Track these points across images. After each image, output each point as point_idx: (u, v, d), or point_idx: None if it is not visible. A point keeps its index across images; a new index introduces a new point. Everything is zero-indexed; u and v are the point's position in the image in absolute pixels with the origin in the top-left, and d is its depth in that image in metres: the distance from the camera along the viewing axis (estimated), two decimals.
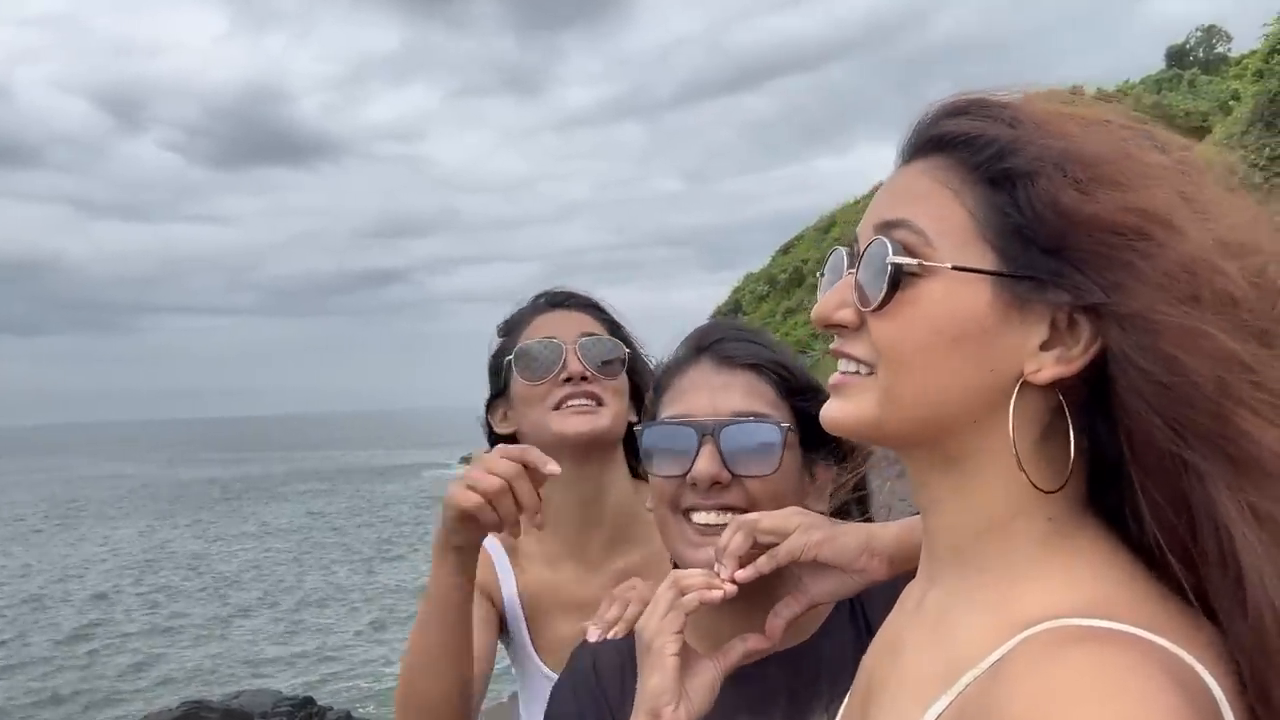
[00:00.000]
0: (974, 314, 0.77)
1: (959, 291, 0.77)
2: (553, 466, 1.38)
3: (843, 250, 0.88)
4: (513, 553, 1.87)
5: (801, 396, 1.34)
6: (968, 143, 0.80)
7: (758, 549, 1.22)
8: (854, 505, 1.40)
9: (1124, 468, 0.75)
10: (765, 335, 1.46)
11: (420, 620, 1.50)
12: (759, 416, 1.31)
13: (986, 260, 0.77)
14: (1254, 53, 18.57)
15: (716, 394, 1.33)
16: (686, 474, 1.30)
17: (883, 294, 0.79)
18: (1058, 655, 0.68)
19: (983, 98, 0.83)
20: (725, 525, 1.26)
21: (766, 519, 1.21)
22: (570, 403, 1.75)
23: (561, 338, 1.79)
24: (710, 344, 1.37)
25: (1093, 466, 0.79)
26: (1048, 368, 0.76)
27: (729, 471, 1.29)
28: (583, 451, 1.76)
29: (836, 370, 0.86)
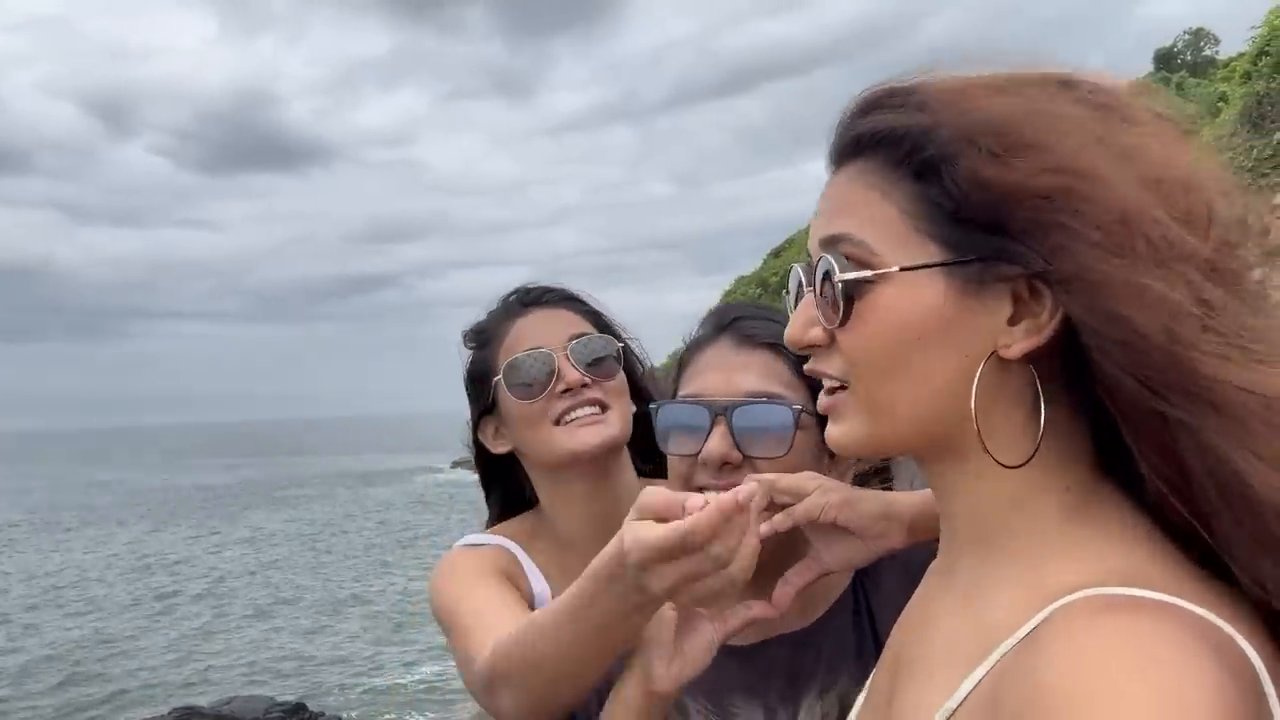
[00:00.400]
0: (932, 309, 0.77)
1: (912, 291, 0.77)
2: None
3: (799, 269, 0.88)
4: (539, 557, 1.72)
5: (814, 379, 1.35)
6: (884, 140, 0.80)
7: (774, 509, 1.19)
8: (875, 484, 1.39)
9: (1121, 435, 0.75)
10: (784, 315, 1.45)
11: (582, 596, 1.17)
12: (772, 398, 1.32)
13: (930, 253, 0.77)
14: (1241, 55, 18.66)
15: (733, 373, 1.34)
16: (698, 453, 1.30)
17: (840, 311, 0.80)
18: (1092, 625, 0.67)
19: (890, 86, 0.83)
20: None
21: (784, 479, 1.21)
22: (573, 414, 1.62)
23: (549, 344, 1.65)
24: (730, 322, 1.38)
25: (1103, 436, 0.78)
26: (1018, 341, 0.76)
27: (740, 452, 1.29)
28: (598, 465, 1.64)
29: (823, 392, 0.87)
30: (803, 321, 0.85)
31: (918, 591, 0.95)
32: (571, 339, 1.66)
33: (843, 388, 0.83)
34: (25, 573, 30.69)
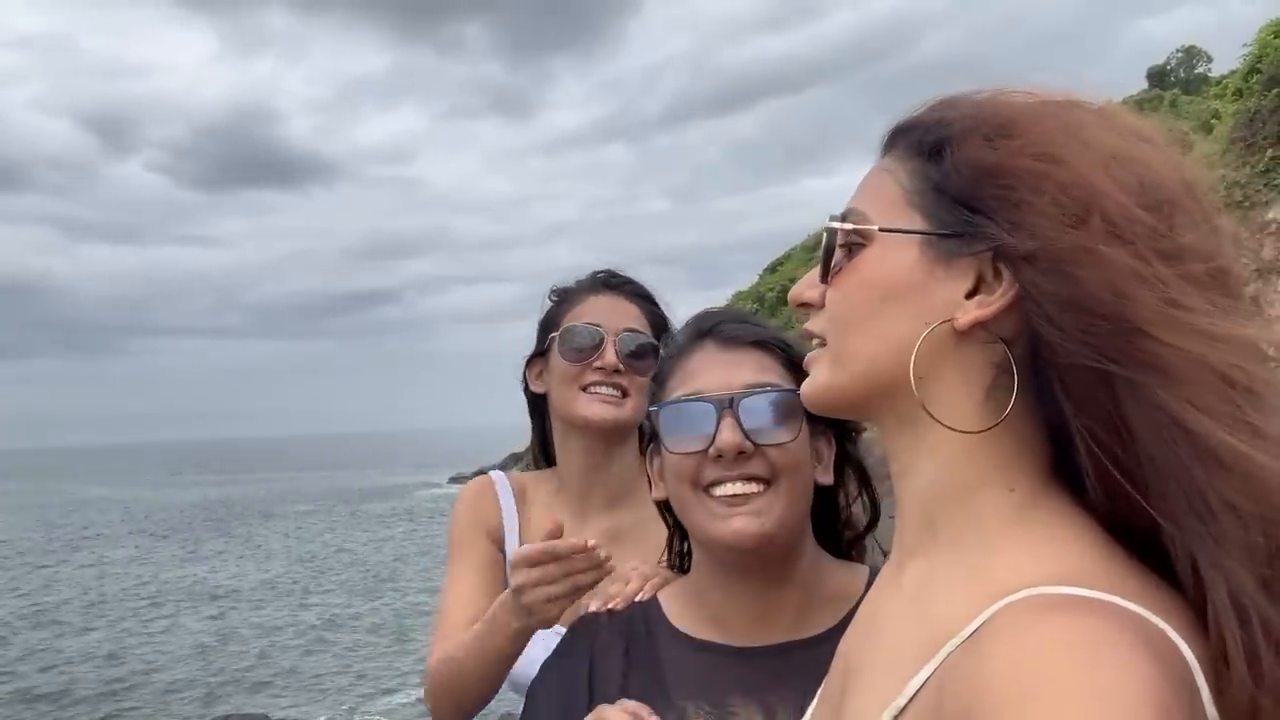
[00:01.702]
0: (902, 271, 0.83)
1: (889, 253, 0.84)
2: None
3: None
4: (521, 497, 1.98)
5: (804, 372, 1.36)
6: (907, 129, 0.88)
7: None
8: (852, 478, 1.43)
9: (1066, 417, 0.77)
10: (760, 319, 1.49)
11: (478, 647, 1.62)
12: (774, 386, 1.33)
13: (913, 222, 0.83)
14: (1233, 73, 18.81)
15: (729, 369, 1.34)
16: (707, 449, 1.31)
17: (836, 268, 0.87)
18: (1035, 623, 0.68)
19: (944, 97, 0.89)
20: (750, 495, 1.29)
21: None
22: (599, 389, 1.86)
23: (606, 326, 1.88)
24: (711, 327, 1.39)
25: (1052, 439, 0.81)
26: (969, 312, 0.80)
27: (752, 442, 1.30)
28: (601, 436, 1.89)
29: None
30: (806, 282, 0.91)
31: (869, 594, 0.96)
32: (625, 330, 1.89)
33: (821, 344, 0.90)
34: (14, 590, 30.53)
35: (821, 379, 0.89)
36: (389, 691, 18.12)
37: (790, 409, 1.31)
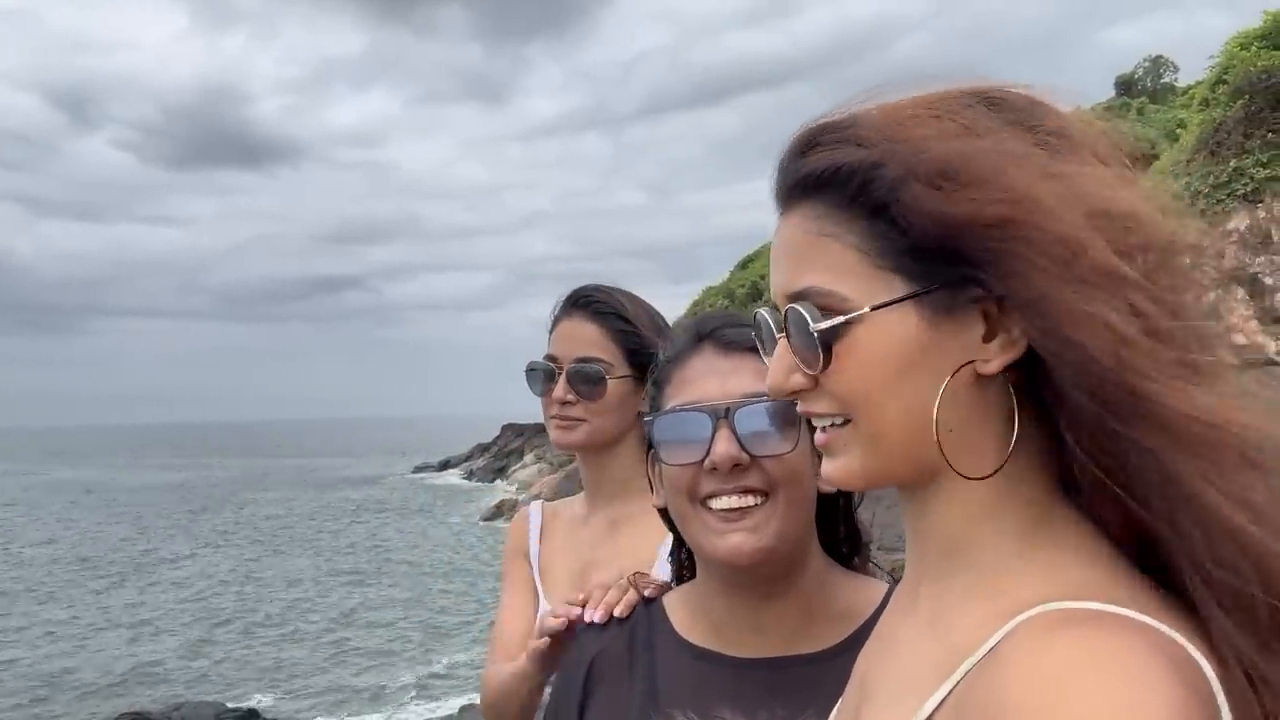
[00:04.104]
0: (907, 338, 0.78)
1: (886, 326, 0.79)
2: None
3: (766, 315, 0.89)
4: (551, 519, 2.17)
5: None
6: (828, 181, 0.81)
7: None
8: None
9: (1072, 452, 0.76)
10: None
11: (512, 690, 1.81)
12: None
13: (895, 288, 0.79)
14: (1200, 83, 19.12)
15: (726, 378, 1.31)
16: (703, 460, 1.27)
17: (821, 359, 0.81)
18: (1052, 638, 0.67)
19: (825, 122, 0.84)
20: (747, 509, 1.26)
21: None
22: (554, 417, 2.03)
23: (561, 358, 2.02)
24: (710, 331, 1.35)
25: (1063, 452, 0.79)
26: (995, 357, 0.77)
27: (748, 454, 1.26)
28: (579, 454, 2.08)
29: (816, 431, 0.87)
30: (783, 369, 0.85)
31: (884, 615, 0.95)
32: (575, 360, 2.01)
33: (839, 423, 0.84)
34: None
35: (859, 463, 0.83)
36: (339, 674, 17.99)
37: (788, 418, 1.26)
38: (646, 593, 1.46)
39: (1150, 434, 0.71)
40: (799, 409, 0.87)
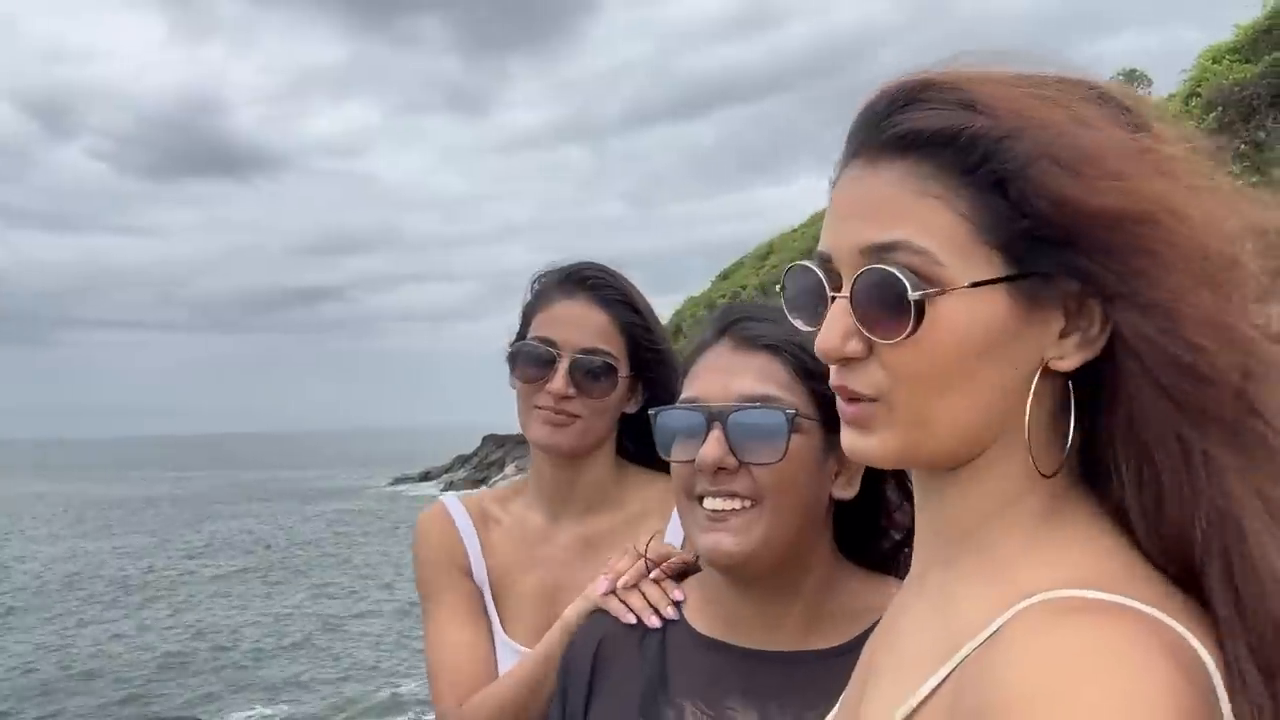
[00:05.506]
0: (995, 323, 0.75)
1: (977, 305, 0.75)
2: (669, 611, 1.43)
3: (815, 270, 0.82)
4: (480, 519, 1.87)
5: (821, 379, 1.30)
6: (944, 143, 0.76)
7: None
8: (892, 486, 1.38)
9: (1115, 448, 0.76)
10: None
11: (533, 678, 1.59)
12: (768, 401, 1.28)
13: (995, 267, 0.75)
14: (1173, 96, 19.36)
15: (730, 377, 1.31)
16: (695, 459, 1.29)
17: (909, 328, 0.75)
18: (1054, 625, 0.68)
19: (928, 79, 0.79)
20: (733, 512, 1.27)
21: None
22: (544, 410, 1.76)
23: (562, 343, 1.75)
24: (730, 323, 1.36)
25: (1083, 445, 0.79)
26: (1071, 354, 0.76)
27: (735, 458, 1.27)
28: (553, 456, 1.80)
29: (842, 401, 0.82)
30: (839, 332, 0.79)
31: (893, 601, 0.94)
32: (581, 350, 1.75)
33: (872, 399, 0.79)
34: None
35: (895, 444, 0.79)
36: (311, 684, 17.82)
37: (780, 427, 1.27)
38: (653, 575, 1.45)
39: (1229, 449, 0.71)
40: (834, 382, 0.82)
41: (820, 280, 0.81)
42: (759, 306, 1.41)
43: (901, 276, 0.75)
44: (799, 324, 0.86)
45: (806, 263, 0.83)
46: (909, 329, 0.75)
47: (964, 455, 0.80)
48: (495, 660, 1.75)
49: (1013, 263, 0.75)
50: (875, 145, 0.79)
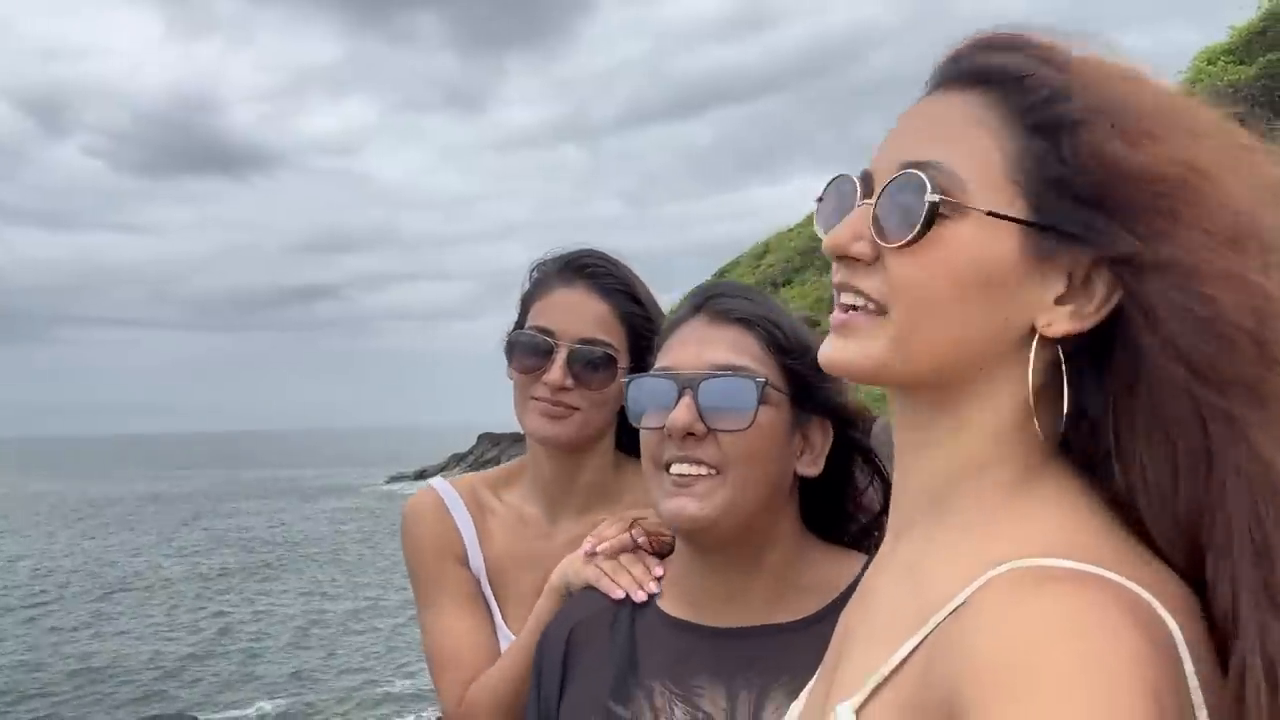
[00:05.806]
0: (1000, 262, 0.76)
1: (988, 238, 0.76)
2: (652, 586, 1.44)
3: (853, 177, 0.84)
4: (473, 502, 1.83)
5: (792, 355, 1.35)
6: (1016, 82, 0.78)
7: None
8: (859, 467, 1.42)
9: (1104, 418, 0.76)
10: (765, 295, 1.47)
11: (524, 645, 1.59)
12: (739, 370, 1.31)
13: (1017, 208, 0.76)
14: None
15: (702, 347, 1.34)
16: (665, 426, 1.31)
17: (914, 231, 0.77)
18: (1023, 593, 0.68)
19: (1029, 36, 0.81)
20: (697, 477, 1.29)
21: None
22: (541, 402, 1.71)
23: (560, 333, 1.71)
24: (706, 299, 1.39)
25: (1074, 433, 0.80)
26: (1060, 322, 0.76)
27: (704, 425, 1.29)
28: (550, 448, 1.77)
29: (837, 308, 0.83)
30: (851, 231, 0.81)
31: (869, 569, 0.95)
32: (580, 341, 1.71)
33: (870, 309, 0.81)
34: None
35: (875, 354, 0.80)
36: (311, 684, 17.81)
37: (750, 395, 1.29)
38: (640, 540, 1.49)
39: (1249, 407, 0.71)
40: (836, 280, 0.84)
41: (855, 189, 0.84)
42: (735, 284, 1.44)
43: (926, 180, 0.77)
44: (821, 231, 0.87)
45: (846, 173, 0.86)
46: (916, 232, 0.77)
47: (929, 383, 0.81)
48: (498, 648, 1.73)
49: (1035, 210, 0.76)
50: (951, 74, 0.83)
